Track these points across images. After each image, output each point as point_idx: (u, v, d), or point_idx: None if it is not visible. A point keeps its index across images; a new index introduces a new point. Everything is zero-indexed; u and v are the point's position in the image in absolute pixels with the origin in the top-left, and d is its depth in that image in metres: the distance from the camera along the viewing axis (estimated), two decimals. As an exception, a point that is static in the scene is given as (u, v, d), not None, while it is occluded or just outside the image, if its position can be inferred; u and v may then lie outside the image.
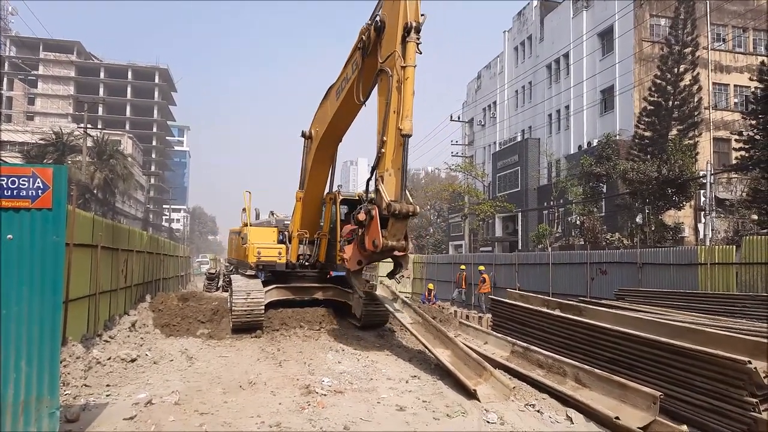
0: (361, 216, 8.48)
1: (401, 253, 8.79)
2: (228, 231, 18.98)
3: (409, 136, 8.21)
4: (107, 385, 7.12)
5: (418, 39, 8.26)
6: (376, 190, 8.45)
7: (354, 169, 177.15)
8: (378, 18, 8.89)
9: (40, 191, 4.74)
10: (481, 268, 23.20)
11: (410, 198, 8.59)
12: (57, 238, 4.79)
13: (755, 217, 23.42)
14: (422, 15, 8.43)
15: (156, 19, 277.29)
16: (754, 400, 5.70)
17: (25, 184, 4.71)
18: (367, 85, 9.40)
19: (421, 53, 8.37)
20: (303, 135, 12.05)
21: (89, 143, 43.27)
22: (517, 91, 44.68)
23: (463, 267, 24.36)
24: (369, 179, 8.91)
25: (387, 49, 8.61)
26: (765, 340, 6.69)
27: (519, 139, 42.07)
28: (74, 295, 8.85)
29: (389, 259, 9.13)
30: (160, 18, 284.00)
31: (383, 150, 8.39)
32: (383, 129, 8.48)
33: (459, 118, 51.49)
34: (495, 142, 47.00)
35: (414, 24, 8.15)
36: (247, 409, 6.27)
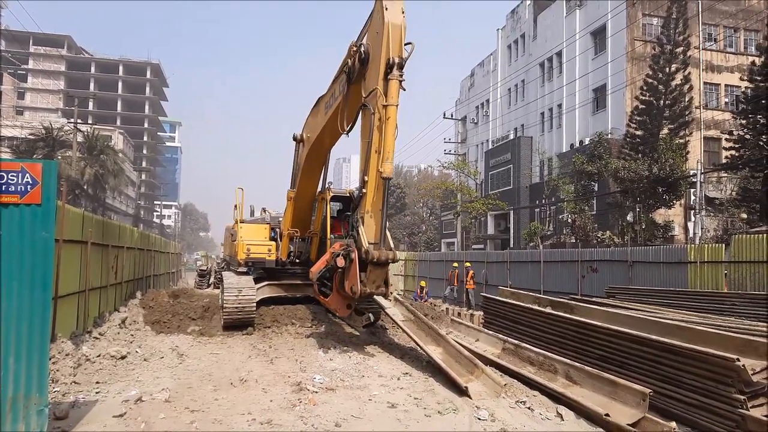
0: (340, 261, 8.32)
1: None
2: (220, 228, 18.92)
3: (390, 179, 8.12)
4: (97, 383, 7.07)
5: (401, 76, 8.03)
6: (356, 232, 8.34)
7: (347, 166, 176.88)
8: (363, 47, 8.63)
9: (29, 186, 4.69)
10: (468, 264, 23.30)
11: (390, 242, 8.50)
12: (46, 234, 4.74)
13: (744, 215, 23.66)
14: (408, 44, 8.19)
15: (148, 13, 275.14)
16: (742, 397, 5.76)
17: (13, 180, 4.66)
18: (351, 112, 9.19)
19: (405, 90, 8.15)
20: (294, 139, 11.94)
21: (79, 138, 42.88)
22: (510, 89, 44.75)
23: (455, 264, 24.43)
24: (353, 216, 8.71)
25: (370, 82, 8.39)
26: (753, 338, 6.76)
27: (512, 137, 42.16)
28: (64, 291, 8.78)
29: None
30: (152, 13, 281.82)
31: (364, 190, 8.30)
32: (365, 167, 8.36)
33: (452, 115, 51.50)
34: (488, 140, 47.07)
35: (397, 60, 7.92)
36: (238, 407, 6.25)
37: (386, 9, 8.03)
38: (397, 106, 8.07)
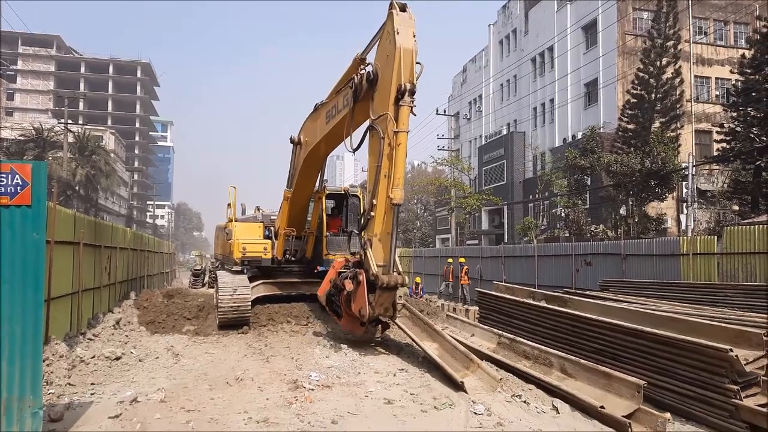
0: (348, 285, 8.33)
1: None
2: (214, 227, 18.87)
3: (400, 205, 8.09)
4: (92, 384, 7.04)
5: (413, 102, 7.93)
6: (364, 254, 8.30)
7: (340, 163, 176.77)
8: (371, 68, 8.53)
9: (18, 188, 4.65)
10: (462, 260, 23.35)
11: (399, 266, 8.49)
12: (37, 236, 4.70)
13: (736, 207, 23.82)
14: (418, 63, 8.02)
15: (138, 12, 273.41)
16: (736, 387, 5.81)
17: (3, 181, 4.61)
18: (356, 127, 9.16)
19: (415, 115, 8.08)
20: (291, 141, 11.79)
21: (70, 139, 42.58)
22: (502, 85, 44.81)
23: (450, 260, 24.47)
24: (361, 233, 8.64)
25: (379, 105, 8.26)
26: (746, 329, 6.81)
27: (504, 132, 42.25)
28: (56, 293, 8.72)
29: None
30: (142, 11, 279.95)
31: (372, 213, 8.25)
32: (373, 190, 8.29)
33: (445, 111, 51.51)
34: (481, 136, 47.16)
35: (408, 87, 7.81)
36: (234, 405, 6.24)
37: (398, 33, 7.84)
38: (407, 132, 8.02)
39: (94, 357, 8.18)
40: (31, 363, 4.59)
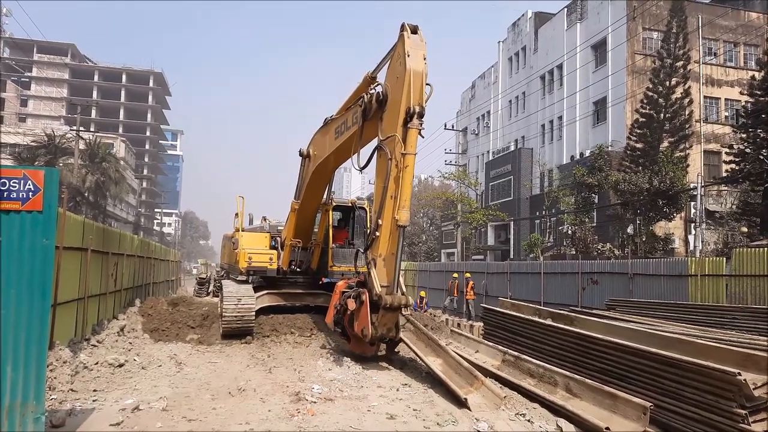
0: (351, 304, 8.35)
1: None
2: (220, 236, 18.93)
3: (405, 227, 8.12)
4: (94, 390, 7.03)
5: (421, 125, 7.99)
6: (368, 274, 8.33)
7: (348, 175, 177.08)
8: (381, 89, 8.61)
9: (30, 193, 4.70)
10: (468, 275, 23.25)
11: (403, 287, 8.53)
12: (47, 241, 4.74)
13: (745, 229, 23.65)
14: (428, 85, 8.08)
15: (152, 22, 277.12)
16: (744, 411, 5.71)
17: (15, 186, 4.66)
18: (365, 143, 9.25)
19: (423, 137, 8.14)
20: (300, 154, 11.89)
21: (81, 146, 43.03)
22: (510, 101, 44.94)
23: (455, 275, 24.37)
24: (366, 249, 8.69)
25: (388, 127, 8.34)
26: (755, 352, 6.72)
27: (512, 148, 42.28)
28: (63, 298, 8.76)
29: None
30: (156, 21, 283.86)
31: (378, 233, 8.27)
32: (379, 211, 8.33)
33: (453, 126, 51.62)
34: (488, 151, 47.18)
35: (417, 109, 7.87)
36: (235, 416, 6.21)
37: (408, 55, 7.91)
38: (415, 155, 8.07)
39: (97, 363, 8.19)
40: (35, 368, 4.60)
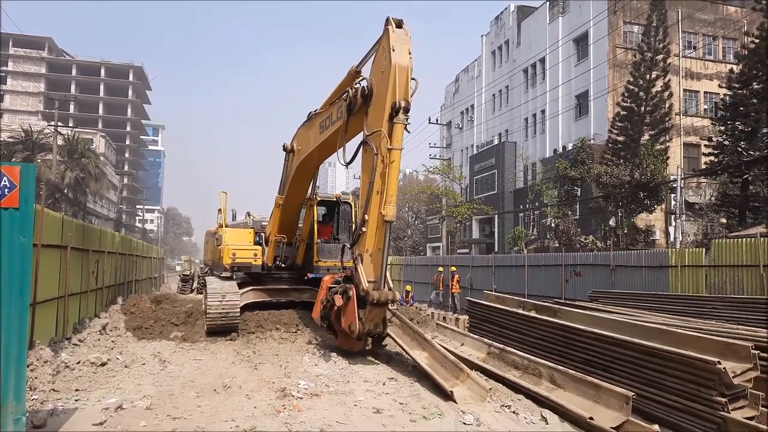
0: (338, 300, 8.30)
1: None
2: (204, 232, 18.74)
3: (392, 222, 8.09)
4: (76, 390, 6.93)
5: (407, 119, 7.97)
6: (355, 269, 8.30)
7: (332, 170, 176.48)
8: (366, 84, 8.53)
9: (6, 190, 4.59)
10: (453, 268, 23.38)
11: (390, 282, 8.50)
12: (24, 239, 4.64)
13: (724, 220, 24.10)
14: (413, 80, 8.06)
15: (131, 16, 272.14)
16: (724, 399, 5.84)
17: (-9, 183, 4.55)
18: (351, 138, 9.18)
19: (409, 132, 8.11)
20: (284, 149, 11.75)
21: (60, 141, 42.24)
22: (494, 95, 45.12)
23: (440, 269, 24.48)
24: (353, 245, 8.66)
25: (374, 121, 8.29)
26: (734, 341, 6.85)
27: (496, 142, 42.50)
28: (42, 297, 8.60)
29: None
30: (135, 16, 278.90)
31: (364, 229, 8.23)
32: (365, 206, 8.30)
33: (437, 120, 51.75)
34: (472, 145, 47.39)
35: (403, 104, 7.83)
36: (221, 413, 6.17)
37: (393, 50, 7.86)
38: (401, 149, 8.05)
39: (79, 362, 8.06)
40: (15, 368, 4.51)
